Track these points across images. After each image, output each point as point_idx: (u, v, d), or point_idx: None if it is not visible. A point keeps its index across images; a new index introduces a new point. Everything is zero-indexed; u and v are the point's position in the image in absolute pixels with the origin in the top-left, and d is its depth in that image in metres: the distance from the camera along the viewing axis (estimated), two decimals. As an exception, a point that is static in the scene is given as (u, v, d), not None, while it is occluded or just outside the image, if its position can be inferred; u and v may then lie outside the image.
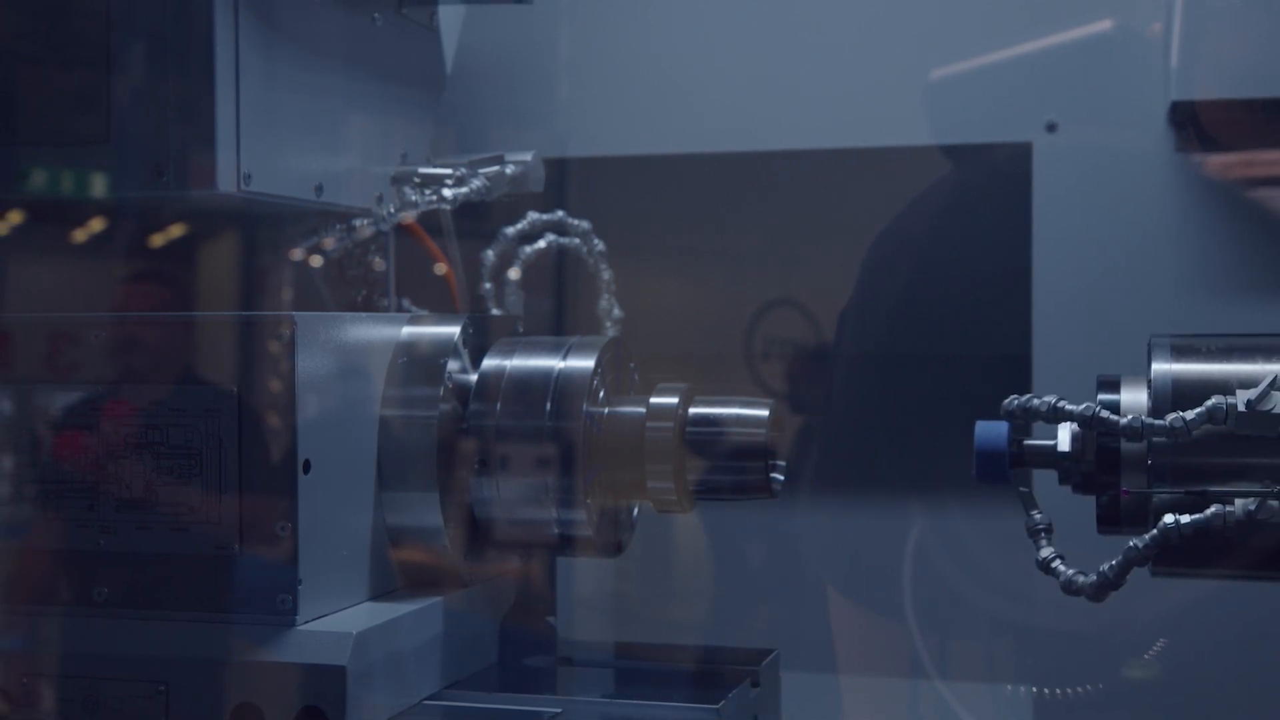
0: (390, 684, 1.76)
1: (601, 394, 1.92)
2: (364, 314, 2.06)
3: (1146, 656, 2.42)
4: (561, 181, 2.67)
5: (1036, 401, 1.70)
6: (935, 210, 2.55)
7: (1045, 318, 2.47)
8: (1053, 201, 2.47)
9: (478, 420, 1.90)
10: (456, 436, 1.90)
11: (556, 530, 1.90)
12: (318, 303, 2.11)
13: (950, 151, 2.55)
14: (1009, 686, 2.52)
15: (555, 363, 1.92)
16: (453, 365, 1.90)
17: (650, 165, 2.56)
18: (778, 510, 2.53)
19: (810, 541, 2.64)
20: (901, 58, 2.54)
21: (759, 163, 2.57)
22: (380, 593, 1.86)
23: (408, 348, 1.91)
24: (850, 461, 2.61)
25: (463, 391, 1.91)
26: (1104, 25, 2.45)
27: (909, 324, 2.58)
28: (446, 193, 2.13)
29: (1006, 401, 1.72)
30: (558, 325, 2.61)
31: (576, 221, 2.28)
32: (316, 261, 2.09)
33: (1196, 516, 1.58)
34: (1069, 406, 1.69)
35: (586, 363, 1.91)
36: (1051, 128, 2.47)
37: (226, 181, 1.81)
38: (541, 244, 2.29)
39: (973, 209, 2.55)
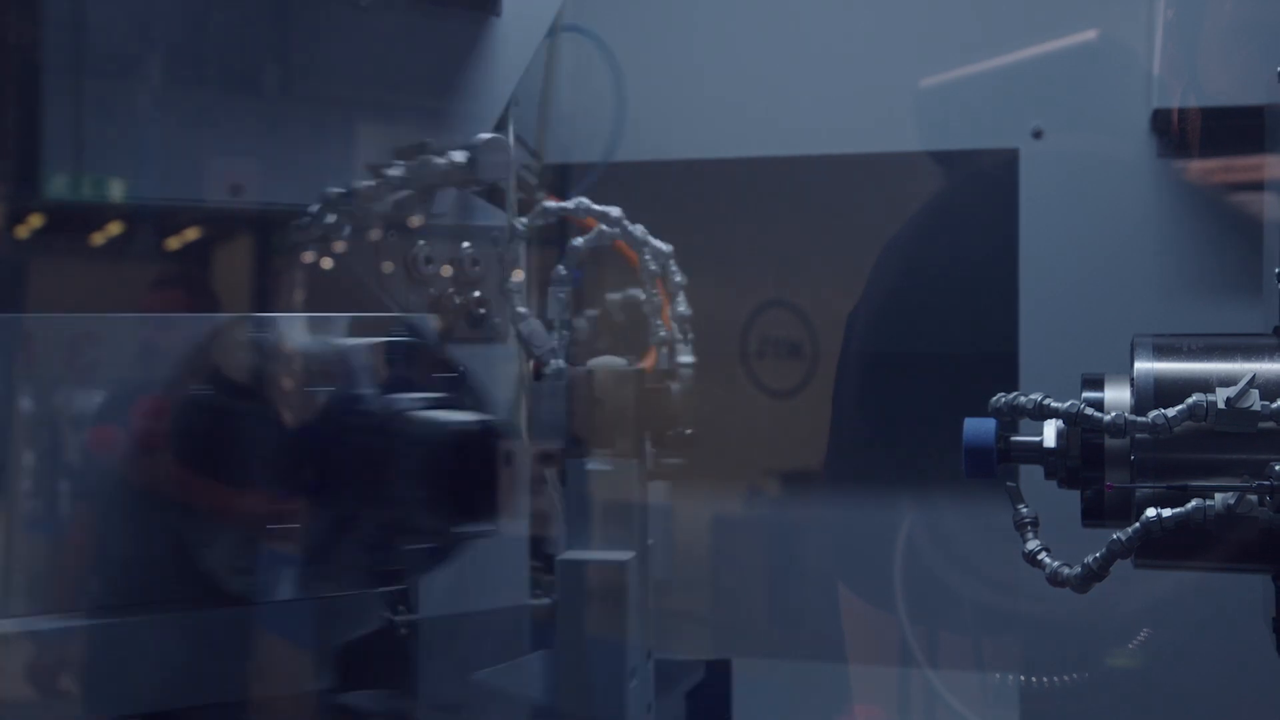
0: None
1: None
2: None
3: (1131, 646, 2.42)
4: (565, 186, 2.68)
5: (1023, 399, 1.69)
6: (924, 214, 2.55)
7: (1031, 318, 2.48)
8: (1038, 206, 2.47)
9: None
10: None
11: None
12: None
13: (939, 157, 2.56)
14: (996, 675, 2.53)
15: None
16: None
17: (649, 170, 2.56)
18: (774, 504, 2.55)
19: (805, 534, 2.65)
20: (891, 67, 2.54)
21: (754, 168, 2.58)
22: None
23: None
24: (842, 457, 2.61)
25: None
26: (1089, 35, 2.45)
27: (899, 324, 2.58)
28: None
29: (994, 399, 1.72)
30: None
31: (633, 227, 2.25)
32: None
33: (1178, 510, 1.58)
34: (1054, 404, 1.69)
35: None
36: (1037, 134, 2.48)
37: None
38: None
39: (961, 213, 2.56)
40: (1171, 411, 1.61)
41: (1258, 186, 2.24)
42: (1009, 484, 1.73)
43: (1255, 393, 1.58)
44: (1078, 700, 2.45)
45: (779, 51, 2.59)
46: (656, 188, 2.59)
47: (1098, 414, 1.65)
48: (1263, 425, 1.57)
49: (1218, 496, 1.57)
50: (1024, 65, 2.48)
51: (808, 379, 2.64)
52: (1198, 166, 2.40)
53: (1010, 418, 1.72)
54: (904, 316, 2.58)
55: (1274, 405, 1.57)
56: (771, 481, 2.63)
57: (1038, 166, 2.48)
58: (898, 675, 2.58)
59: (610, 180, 2.59)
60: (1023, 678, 2.48)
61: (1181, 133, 2.37)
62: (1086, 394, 1.72)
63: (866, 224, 2.60)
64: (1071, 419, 1.66)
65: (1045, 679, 2.46)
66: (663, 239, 2.40)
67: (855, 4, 2.59)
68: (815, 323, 2.63)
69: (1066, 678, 2.45)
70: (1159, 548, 1.62)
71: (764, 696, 2.61)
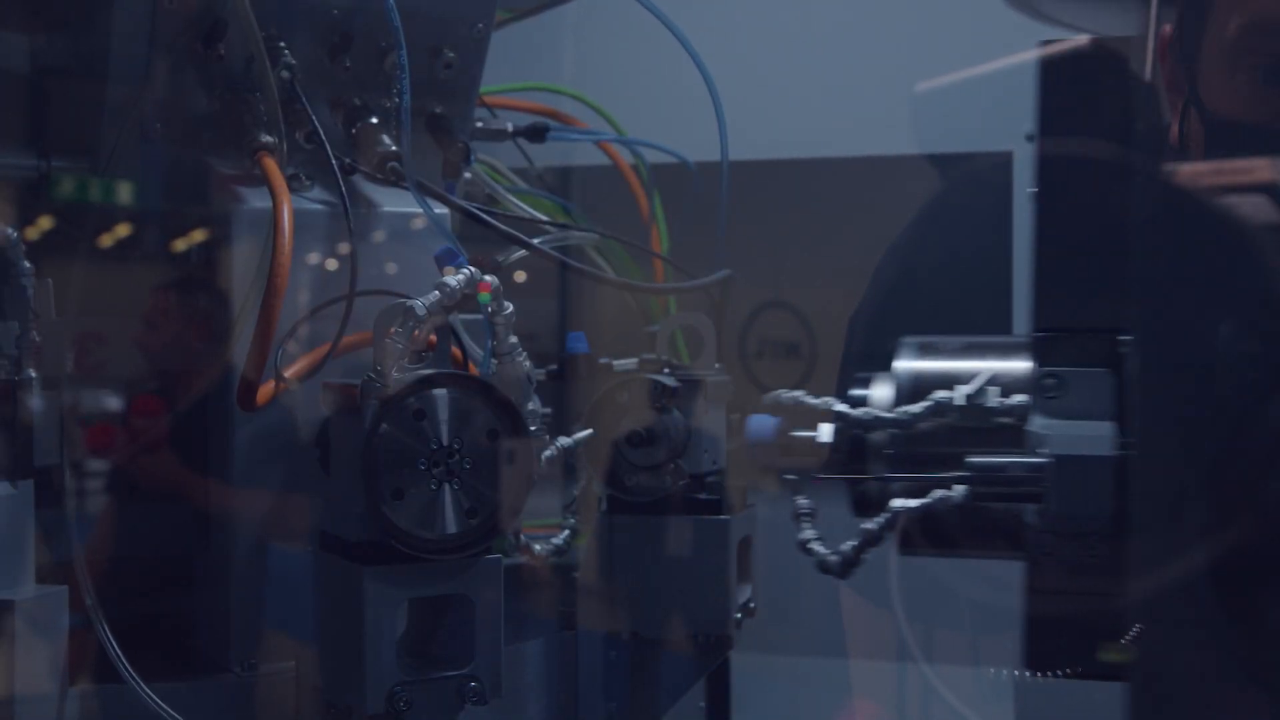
0: None
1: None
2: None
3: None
4: (567, 187, 2.68)
5: (785, 395, 1.82)
6: (920, 216, 2.55)
7: (1026, 318, 2.46)
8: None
9: None
10: None
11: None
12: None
13: (935, 160, 2.55)
14: (991, 671, 2.52)
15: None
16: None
17: (655, 173, 2.55)
18: (774, 501, 2.54)
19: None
20: (888, 72, 2.54)
21: (754, 171, 2.57)
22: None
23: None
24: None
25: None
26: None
27: (898, 324, 2.57)
28: None
29: (766, 395, 1.83)
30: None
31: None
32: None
33: (922, 501, 1.64)
34: (809, 399, 1.79)
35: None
36: (1031, 138, 2.46)
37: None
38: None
39: (956, 215, 2.55)
40: (916, 407, 1.68)
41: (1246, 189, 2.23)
42: (788, 476, 1.84)
43: (994, 390, 1.64)
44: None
45: (778, 56, 2.59)
46: (660, 188, 2.58)
47: (848, 410, 1.75)
48: (1001, 420, 1.63)
49: (956, 488, 1.61)
50: (1018, 70, 2.47)
51: (806, 379, 2.63)
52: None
53: (784, 414, 1.84)
54: (902, 317, 2.57)
55: (1009, 401, 1.62)
56: (770, 479, 2.63)
57: (1032, 169, 2.47)
58: (895, 671, 2.58)
59: (614, 182, 2.58)
60: (1018, 672, 2.47)
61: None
62: (853, 391, 1.81)
63: (864, 226, 2.59)
64: (827, 415, 1.77)
65: (1041, 674, 2.44)
66: (666, 238, 2.41)
67: (853, 10, 2.59)
68: (814, 323, 2.63)
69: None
70: (917, 536, 1.70)
71: (762, 691, 2.61)
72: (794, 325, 2.64)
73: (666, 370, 2.03)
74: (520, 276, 2.24)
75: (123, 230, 1.91)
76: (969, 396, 1.64)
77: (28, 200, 1.84)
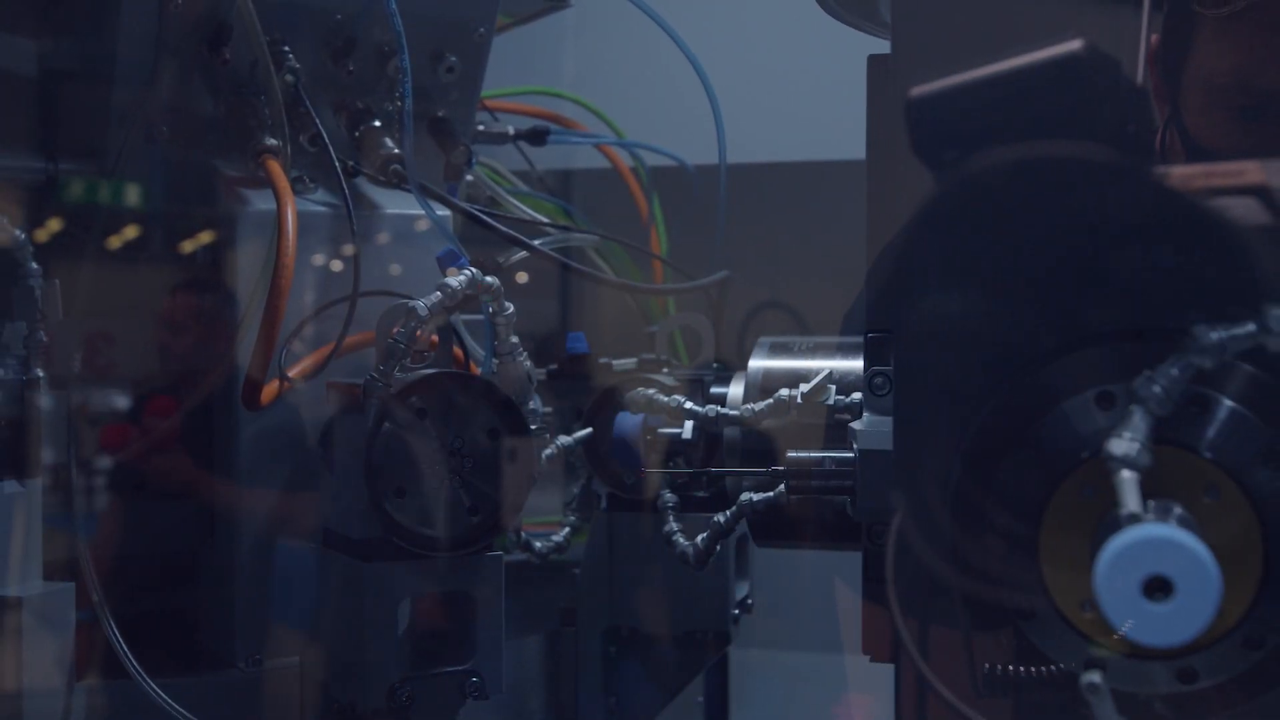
0: None
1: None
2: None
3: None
4: (568, 190, 2.68)
5: (640, 393, 1.85)
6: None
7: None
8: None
9: None
10: None
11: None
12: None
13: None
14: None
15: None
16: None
17: (651, 174, 2.55)
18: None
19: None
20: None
21: (752, 173, 2.57)
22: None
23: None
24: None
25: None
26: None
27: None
28: None
29: (629, 394, 1.87)
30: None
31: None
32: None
33: (766, 494, 1.66)
34: (661, 398, 1.83)
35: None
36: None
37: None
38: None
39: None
40: (758, 405, 1.70)
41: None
42: (653, 471, 1.88)
43: (831, 388, 1.67)
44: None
45: (776, 60, 2.59)
46: (658, 191, 2.59)
47: (696, 408, 1.80)
48: (839, 418, 1.65)
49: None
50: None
51: (804, 378, 2.62)
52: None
53: (647, 411, 1.87)
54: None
55: (846, 399, 1.65)
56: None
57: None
58: (892, 667, 2.57)
59: (610, 184, 2.59)
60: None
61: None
62: (713, 389, 1.87)
63: (861, 227, 2.58)
64: (679, 413, 1.82)
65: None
66: (665, 240, 2.41)
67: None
68: (811, 323, 2.62)
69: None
70: (769, 529, 1.74)
71: (760, 687, 2.61)
72: (792, 325, 2.63)
73: (665, 370, 2.04)
74: (521, 278, 2.24)
75: (129, 232, 1.92)
76: (806, 394, 1.66)
77: (35, 202, 1.85)
